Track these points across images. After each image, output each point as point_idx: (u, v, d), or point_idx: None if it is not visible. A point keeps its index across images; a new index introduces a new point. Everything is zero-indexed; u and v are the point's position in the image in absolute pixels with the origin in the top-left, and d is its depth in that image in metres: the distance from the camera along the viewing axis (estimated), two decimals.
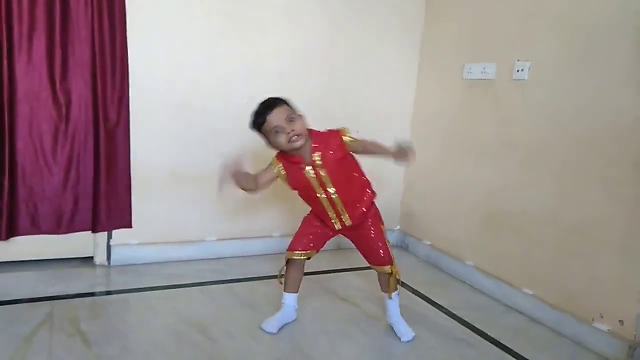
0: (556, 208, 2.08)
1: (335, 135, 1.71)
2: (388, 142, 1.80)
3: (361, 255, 1.91)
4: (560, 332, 2.03)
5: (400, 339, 1.87)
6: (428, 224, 2.84)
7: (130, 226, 2.35)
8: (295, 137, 1.62)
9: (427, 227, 2.85)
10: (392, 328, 1.92)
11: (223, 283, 2.29)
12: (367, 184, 1.82)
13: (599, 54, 1.91)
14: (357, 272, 2.52)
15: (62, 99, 2.11)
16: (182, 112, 2.38)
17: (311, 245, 1.85)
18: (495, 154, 2.37)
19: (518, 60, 2.22)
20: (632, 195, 1.81)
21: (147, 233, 2.43)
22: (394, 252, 1.88)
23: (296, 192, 1.80)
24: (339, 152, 1.68)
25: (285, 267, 1.88)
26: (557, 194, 2.08)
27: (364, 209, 1.78)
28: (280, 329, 1.86)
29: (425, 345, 1.86)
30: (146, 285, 2.19)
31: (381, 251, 1.83)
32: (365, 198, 1.79)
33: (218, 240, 2.60)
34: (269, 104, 1.64)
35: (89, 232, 2.28)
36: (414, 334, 1.88)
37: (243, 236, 2.65)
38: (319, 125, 2.65)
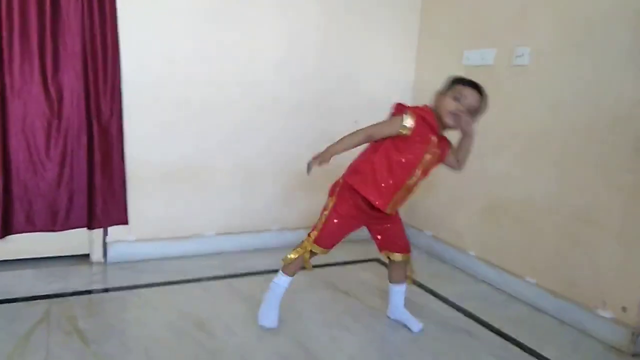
0: (557, 196, 2.06)
1: (449, 146, 1.77)
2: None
3: (375, 246, 1.87)
4: (563, 320, 2.02)
5: (411, 329, 1.87)
6: (429, 214, 2.81)
7: (126, 222, 2.32)
8: (455, 117, 1.63)
9: (428, 217, 2.83)
10: (400, 321, 1.91)
11: (222, 278, 2.27)
12: None
13: (599, 39, 1.88)
14: (357, 264, 2.50)
15: (54, 94, 2.07)
16: (176, 104, 2.35)
17: (338, 243, 1.83)
18: (495, 143, 2.34)
19: (517, 46, 2.18)
20: (631, 182, 1.79)
21: (144, 229, 2.40)
22: None
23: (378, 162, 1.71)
24: (444, 155, 1.75)
25: (305, 256, 1.79)
26: (557, 181, 2.05)
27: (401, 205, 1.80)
28: (280, 322, 1.83)
29: (427, 336, 1.84)
30: (143, 282, 2.17)
31: (406, 239, 1.87)
32: (408, 199, 1.80)
33: (216, 235, 2.57)
34: (479, 88, 1.66)
35: (85, 229, 2.26)
36: (422, 323, 1.89)
37: (241, 231, 2.63)
38: (317, 113, 2.65)
